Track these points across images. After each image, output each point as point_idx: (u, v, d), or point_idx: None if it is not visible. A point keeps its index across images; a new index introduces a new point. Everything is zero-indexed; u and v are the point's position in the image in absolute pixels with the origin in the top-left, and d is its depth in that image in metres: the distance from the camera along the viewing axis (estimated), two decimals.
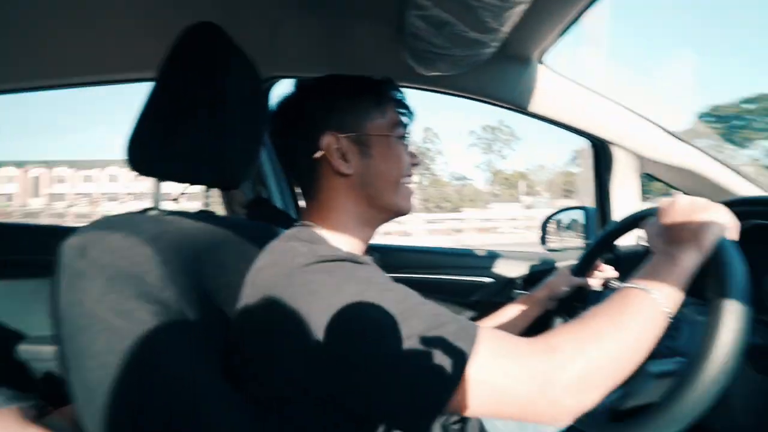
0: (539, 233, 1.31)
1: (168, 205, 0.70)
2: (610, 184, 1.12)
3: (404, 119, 0.69)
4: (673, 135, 1.04)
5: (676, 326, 0.73)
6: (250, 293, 0.54)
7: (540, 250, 1.24)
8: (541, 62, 0.95)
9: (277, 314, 0.50)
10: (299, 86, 0.68)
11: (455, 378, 0.44)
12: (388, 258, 1.19)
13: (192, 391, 0.50)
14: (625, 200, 1.14)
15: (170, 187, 0.72)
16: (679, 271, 0.53)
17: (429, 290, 1.19)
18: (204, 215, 0.76)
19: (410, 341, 0.46)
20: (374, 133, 0.63)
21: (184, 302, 0.54)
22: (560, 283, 0.87)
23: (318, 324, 0.47)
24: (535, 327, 0.85)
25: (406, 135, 0.67)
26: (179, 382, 0.50)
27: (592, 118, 1.02)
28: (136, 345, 0.48)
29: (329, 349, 0.47)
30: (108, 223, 0.55)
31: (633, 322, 0.48)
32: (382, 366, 0.46)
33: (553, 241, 1.29)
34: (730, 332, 0.49)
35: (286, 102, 0.67)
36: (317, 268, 0.51)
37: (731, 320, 0.49)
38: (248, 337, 0.53)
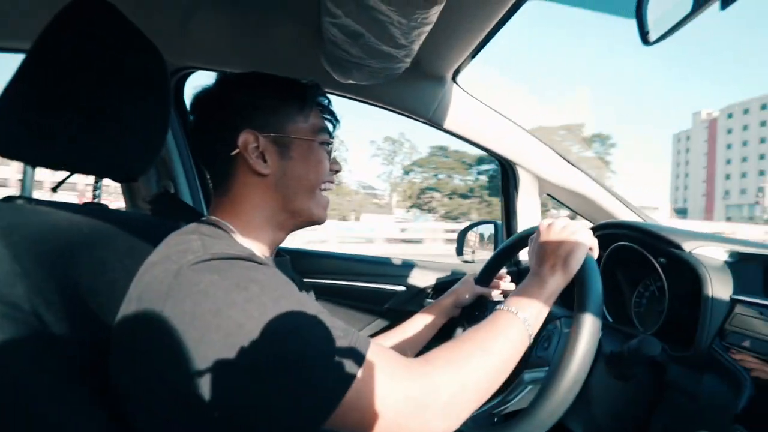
0: (456, 244, 1.39)
1: (43, 196, 0.64)
2: (516, 202, 1.21)
3: (329, 126, 0.69)
4: (567, 161, 1.15)
5: (548, 337, 0.81)
6: (136, 291, 0.50)
7: (453, 260, 1.30)
8: (454, 81, 1.01)
9: (161, 314, 0.46)
10: (223, 79, 0.65)
11: (339, 392, 0.44)
12: (304, 263, 1.17)
13: (35, 399, 0.45)
14: (528, 217, 1.24)
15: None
16: (545, 293, 0.60)
17: (343, 296, 1.19)
18: (89, 208, 0.70)
19: (297, 354, 0.45)
20: (296, 135, 0.63)
21: (40, 302, 0.48)
22: (464, 291, 0.92)
23: (203, 328, 0.44)
24: (439, 334, 0.88)
25: (329, 142, 0.67)
26: (21, 391, 0.44)
27: (499, 139, 1.10)
28: None
29: (212, 355, 0.44)
30: None
31: (499, 345, 0.53)
32: (266, 375, 0.44)
33: (468, 253, 1.37)
34: (584, 344, 0.55)
35: (207, 94, 0.64)
36: (208, 266, 0.48)
37: (586, 333, 0.55)
38: (128, 338, 0.49)
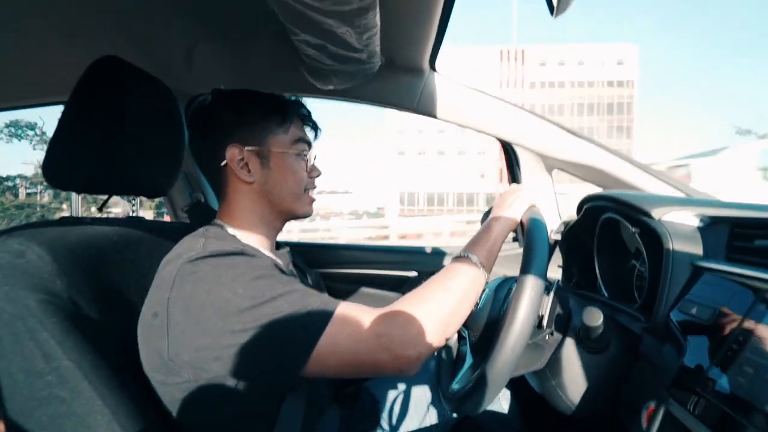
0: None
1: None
2: (521, 177, 1.20)
3: (308, 136, 0.78)
4: (569, 132, 1.11)
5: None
6: (156, 281, 0.64)
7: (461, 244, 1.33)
8: (433, 69, 1.03)
9: (169, 299, 0.59)
10: (213, 97, 0.76)
11: (311, 341, 0.54)
12: (321, 255, 1.29)
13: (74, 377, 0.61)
14: (540, 195, 1.21)
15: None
16: (492, 235, 0.69)
17: (359, 284, 1.29)
18: (128, 221, 0.89)
19: (276, 316, 0.56)
20: (275, 149, 0.72)
21: (75, 293, 0.65)
22: None
23: (200, 305, 0.57)
24: None
25: (304, 152, 0.75)
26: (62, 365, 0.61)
27: (492, 121, 1.09)
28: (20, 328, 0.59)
29: (209, 326, 0.57)
30: (11, 231, 0.68)
31: (456, 282, 0.63)
32: (251, 334, 0.55)
33: None
34: (525, 304, 0.58)
35: (200, 111, 0.75)
36: (206, 261, 0.61)
37: (526, 294, 0.58)
38: (147, 319, 0.62)
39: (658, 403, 0.52)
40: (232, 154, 0.70)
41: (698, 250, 0.62)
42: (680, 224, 0.66)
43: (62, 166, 0.75)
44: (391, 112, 41.31)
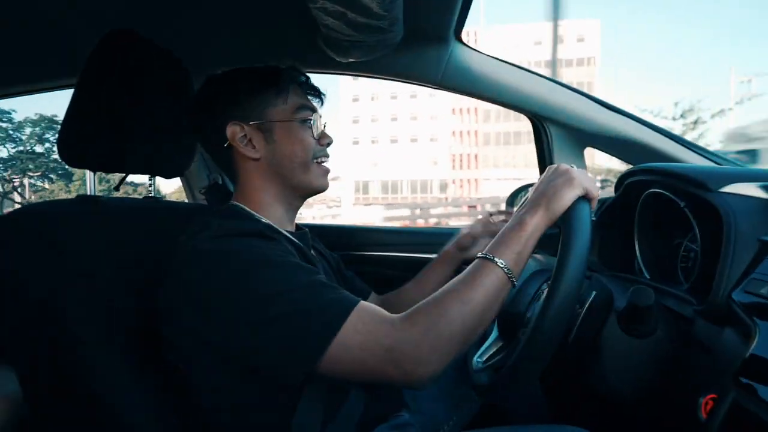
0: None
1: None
2: (554, 159, 1.13)
3: (311, 102, 0.75)
4: (608, 106, 1.03)
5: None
6: (170, 262, 0.62)
7: None
8: (458, 40, 0.97)
9: (182, 279, 0.59)
10: (207, 81, 0.74)
11: (323, 345, 0.51)
12: (342, 237, 1.26)
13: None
14: None
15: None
16: (524, 235, 0.58)
17: (382, 266, 1.25)
18: (146, 200, 0.87)
19: (287, 308, 0.53)
20: (276, 119, 0.69)
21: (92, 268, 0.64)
22: (468, 236, 0.91)
23: (210, 289, 0.55)
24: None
25: (309, 118, 0.72)
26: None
27: (521, 94, 1.03)
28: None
29: (221, 309, 0.55)
30: (32, 206, 0.67)
31: (477, 294, 0.54)
32: (262, 324, 0.53)
33: None
34: (558, 301, 0.53)
35: (197, 97, 0.74)
36: (220, 241, 0.59)
37: (561, 289, 0.53)
38: (164, 298, 0.62)
39: (721, 393, 0.47)
40: (233, 132, 0.68)
41: (764, 224, 0.55)
42: (742, 196, 0.59)
43: (76, 144, 0.73)
44: (346, 101, 40.83)
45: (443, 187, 38.20)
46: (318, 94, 0.77)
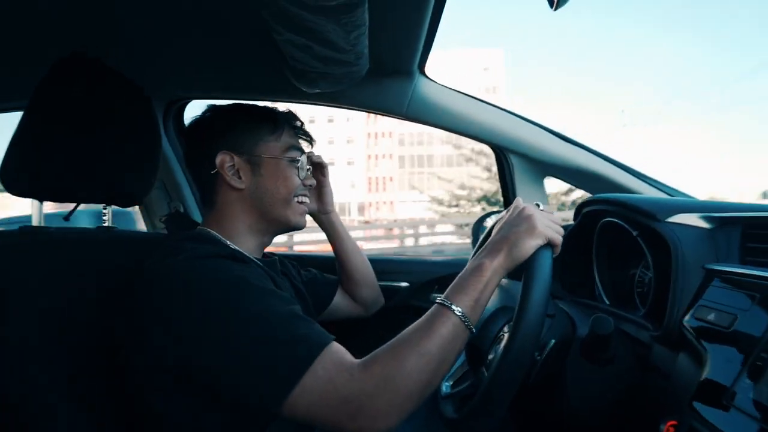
0: (471, 237, 1.37)
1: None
2: (516, 187, 1.17)
3: (301, 145, 0.79)
4: (566, 139, 1.09)
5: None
6: (136, 286, 0.60)
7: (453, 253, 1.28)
8: (422, 74, 1.00)
9: (152, 303, 0.57)
10: (209, 109, 0.77)
11: (288, 386, 0.50)
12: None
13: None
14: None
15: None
16: (483, 281, 0.57)
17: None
18: (101, 231, 0.82)
19: (258, 339, 0.52)
20: (265, 155, 0.72)
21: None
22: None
23: (180, 310, 0.55)
24: None
25: (298, 158, 0.75)
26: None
27: (485, 126, 1.07)
28: None
29: (189, 331, 0.54)
30: None
31: (433, 345, 0.53)
32: (229, 352, 0.52)
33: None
34: (517, 346, 0.53)
35: (195, 122, 0.77)
36: (195, 262, 0.59)
37: (521, 329, 0.53)
38: (128, 322, 0.59)
39: (680, 419, 0.48)
40: (222, 160, 0.71)
41: (709, 252, 0.59)
42: (688, 226, 0.62)
43: (23, 172, 0.69)
44: None
45: (360, 209, 38.33)
46: (310, 140, 0.82)
